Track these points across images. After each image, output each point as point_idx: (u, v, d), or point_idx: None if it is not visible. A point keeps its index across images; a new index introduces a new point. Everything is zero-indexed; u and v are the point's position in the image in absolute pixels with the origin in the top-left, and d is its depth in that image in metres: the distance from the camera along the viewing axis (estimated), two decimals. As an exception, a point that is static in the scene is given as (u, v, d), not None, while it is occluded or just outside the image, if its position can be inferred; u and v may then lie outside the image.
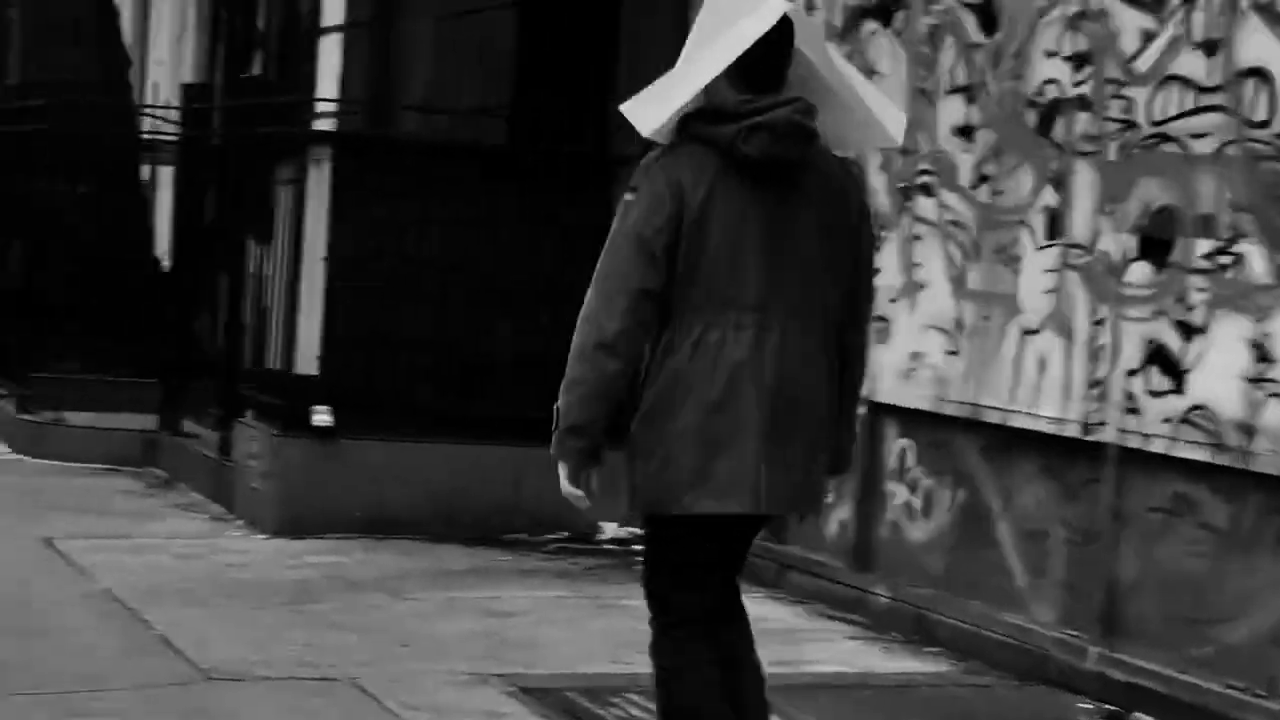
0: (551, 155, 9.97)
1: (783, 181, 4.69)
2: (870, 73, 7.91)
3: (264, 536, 9.50)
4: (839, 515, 8.33)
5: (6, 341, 12.50)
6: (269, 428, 9.69)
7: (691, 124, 4.68)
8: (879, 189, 8.10)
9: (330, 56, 14.14)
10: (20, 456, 11.67)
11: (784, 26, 4.65)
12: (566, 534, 9.77)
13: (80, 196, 12.85)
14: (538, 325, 9.76)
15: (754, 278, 4.65)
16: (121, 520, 9.73)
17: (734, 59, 4.58)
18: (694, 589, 4.76)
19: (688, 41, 4.70)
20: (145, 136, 13.06)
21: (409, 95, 12.00)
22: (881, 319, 7.95)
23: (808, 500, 4.81)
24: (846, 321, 4.84)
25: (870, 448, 8.08)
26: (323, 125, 13.74)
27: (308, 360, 9.63)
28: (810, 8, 8.50)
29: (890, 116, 4.90)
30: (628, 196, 4.68)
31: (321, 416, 9.55)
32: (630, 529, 9.74)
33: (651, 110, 4.70)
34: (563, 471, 4.64)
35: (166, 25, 18.10)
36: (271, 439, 9.59)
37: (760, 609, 6.68)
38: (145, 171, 13.79)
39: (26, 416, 11.70)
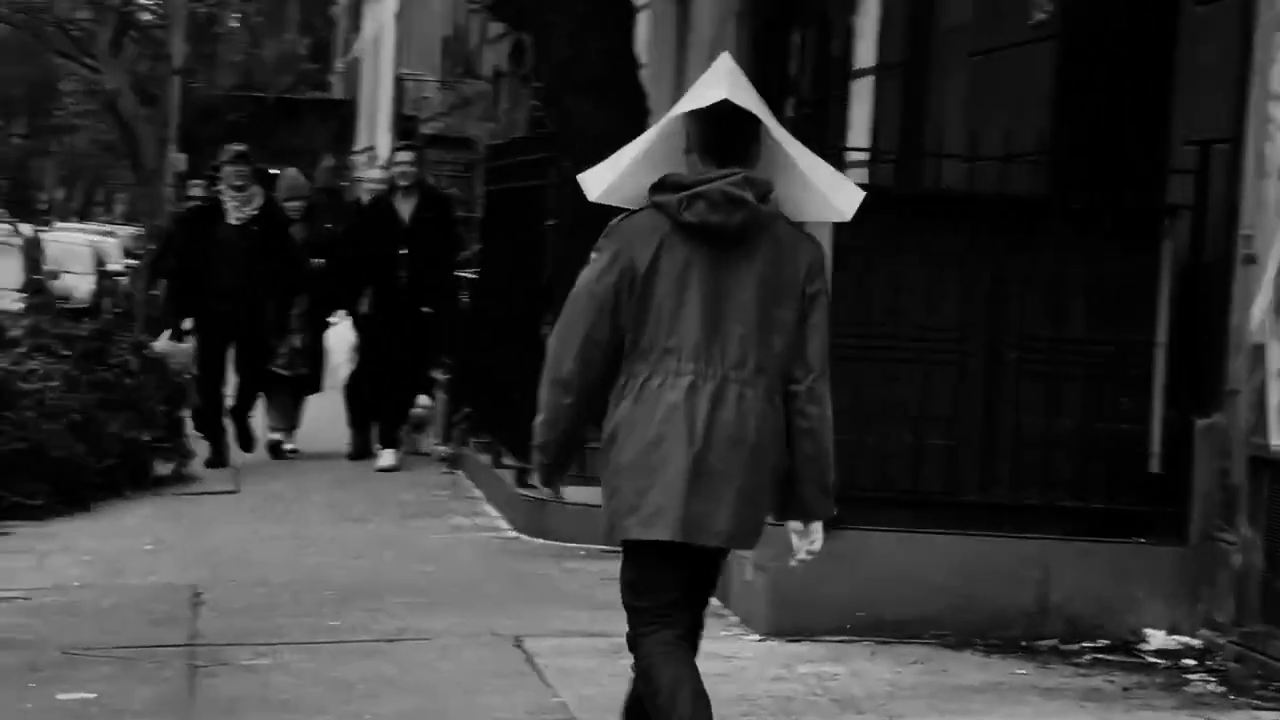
0: (1097, 205, 8.66)
1: (728, 244, 5.34)
2: None
3: (756, 637, 8.44)
4: None
5: (511, 407, 11.76)
6: (763, 514, 8.64)
7: (652, 192, 5.38)
8: None
9: (861, 101, 13.18)
10: (518, 535, 10.94)
11: (741, 111, 5.30)
12: (1105, 643, 8.41)
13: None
14: (1063, 397, 8.51)
15: (694, 330, 5.35)
16: (603, 614, 8.79)
17: (671, 132, 5.41)
18: (650, 595, 5.53)
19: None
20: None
21: (929, 140, 10.86)
22: None
23: (744, 536, 5.47)
24: (796, 375, 5.42)
25: None
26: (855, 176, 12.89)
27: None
28: None
29: (845, 193, 5.58)
30: (593, 254, 5.43)
31: (817, 504, 8.45)
32: (1178, 637, 8.34)
33: (600, 175, 5.51)
34: (537, 476, 5.79)
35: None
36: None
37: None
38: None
39: (525, 492, 10.94)
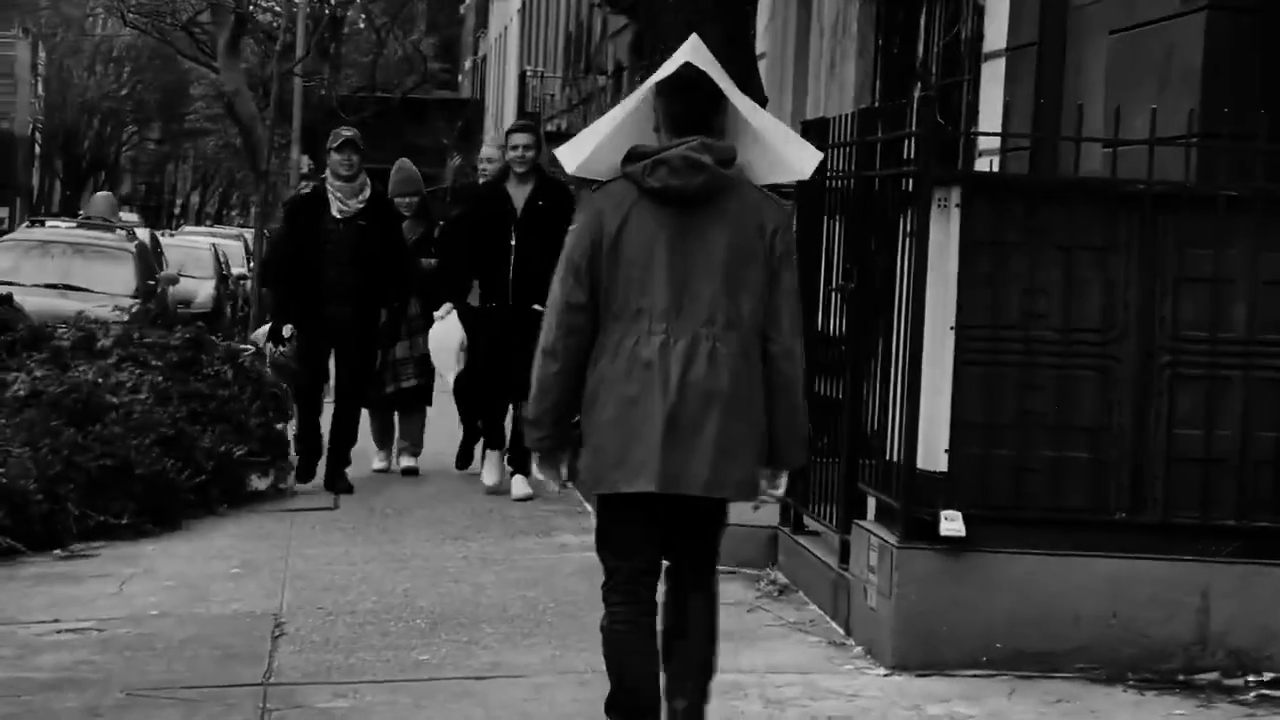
0: (1256, 191, 7.84)
1: (691, 207, 5.66)
2: None
3: (881, 672, 7.67)
4: None
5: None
6: (888, 534, 7.88)
7: (622, 164, 5.70)
8: None
9: (993, 84, 12.35)
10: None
11: (703, 83, 5.66)
12: (1271, 676, 7.58)
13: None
14: (1223, 404, 7.69)
15: (663, 291, 5.64)
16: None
17: (639, 106, 5.75)
18: (624, 557, 5.78)
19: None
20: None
21: (1066, 124, 10.04)
22: None
23: (721, 485, 5.68)
24: (770, 334, 5.72)
25: None
26: (983, 163, 12.07)
27: (933, 452, 7.77)
28: None
29: (805, 154, 5.93)
30: (571, 228, 5.83)
31: (950, 524, 7.68)
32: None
33: (574, 150, 5.80)
34: (535, 460, 5.93)
35: (820, 58, 16.68)
36: (890, 550, 7.78)
37: None
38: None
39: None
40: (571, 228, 5.86)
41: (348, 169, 12.17)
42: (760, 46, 19.14)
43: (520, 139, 12.14)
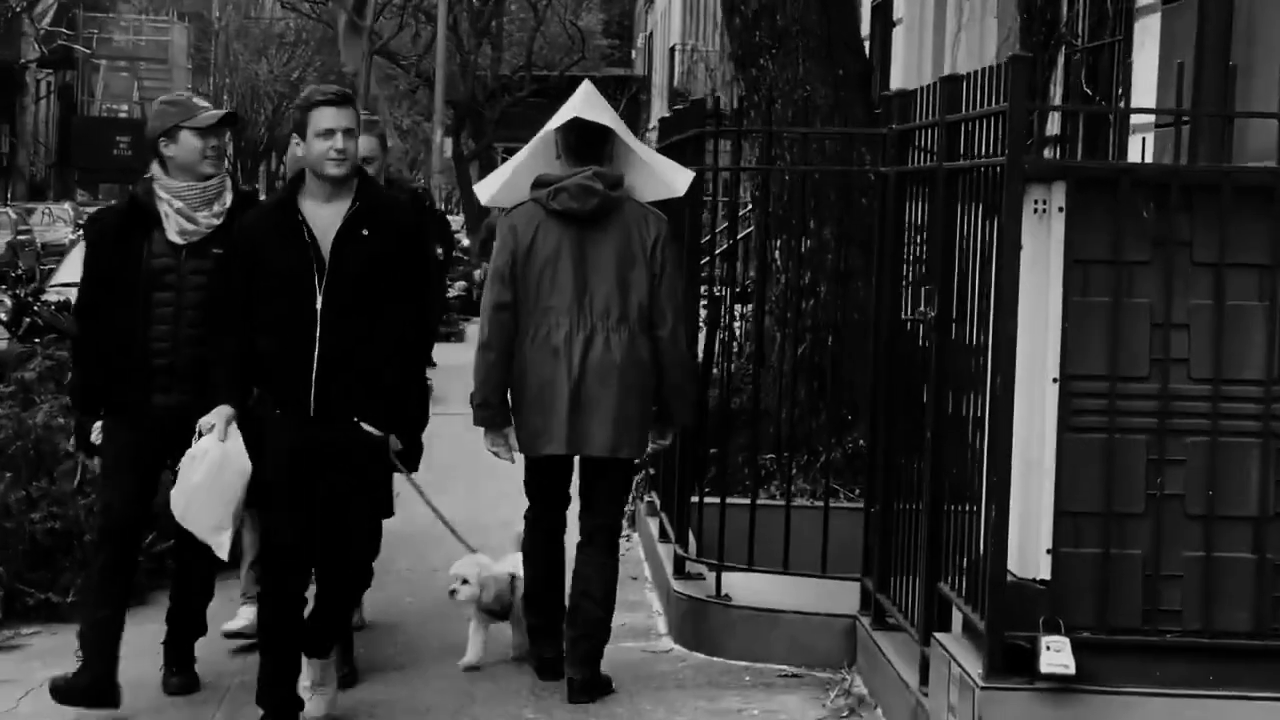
0: None
1: (587, 224, 7.07)
2: None
3: None
4: None
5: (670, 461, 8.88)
6: (971, 662, 5.72)
7: (530, 190, 7.16)
8: None
9: (1146, 46, 10.08)
10: (672, 645, 8.07)
11: (592, 125, 7.09)
12: None
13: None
14: None
15: (567, 291, 7.05)
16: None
17: (547, 142, 7.23)
18: (543, 507, 7.36)
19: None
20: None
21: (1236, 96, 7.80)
22: None
23: (617, 447, 7.06)
24: (655, 320, 7.08)
25: None
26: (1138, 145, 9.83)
27: (1031, 553, 5.61)
28: None
29: (679, 176, 7.37)
30: (496, 242, 7.30)
31: (1054, 655, 5.50)
32: None
33: (488, 185, 7.44)
34: (485, 437, 7.24)
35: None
36: (972, 688, 5.62)
37: None
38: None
39: (682, 588, 8.07)
40: (495, 243, 7.31)
41: (211, 166, 7.05)
42: (898, 12, 16.99)
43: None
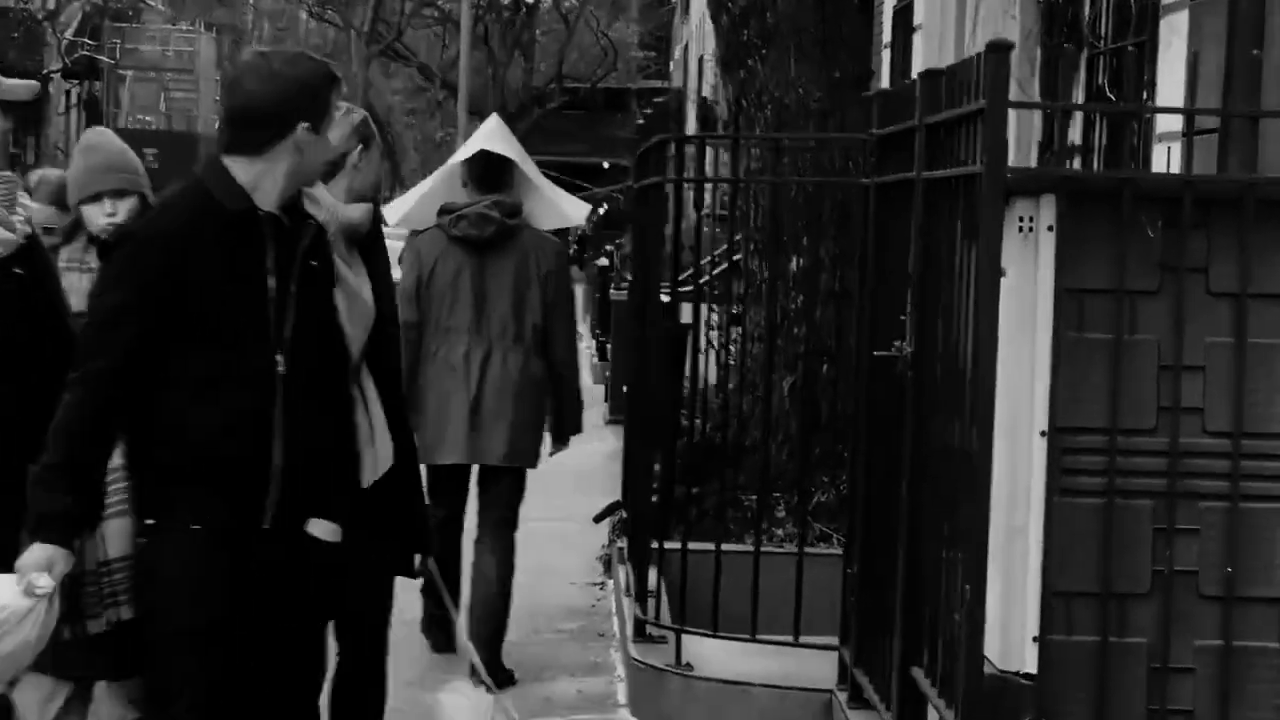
0: None
1: (486, 249, 7.61)
2: None
3: None
4: None
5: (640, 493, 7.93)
6: (945, 767, 4.79)
7: (437, 216, 7.72)
8: None
9: (1173, 46, 9.15)
10: (629, 719, 7.15)
11: (495, 157, 7.69)
12: None
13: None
14: None
15: (467, 312, 7.62)
16: None
17: (454, 172, 7.90)
18: (444, 502, 7.66)
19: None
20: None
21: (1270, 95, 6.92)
22: None
23: (511, 457, 7.62)
24: (549, 342, 7.68)
25: None
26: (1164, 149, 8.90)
27: (1014, 641, 4.68)
28: None
29: (576, 206, 8.21)
30: (404, 265, 7.67)
31: (1039, 765, 4.58)
32: None
33: (397, 208, 8.16)
34: None
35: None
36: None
37: None
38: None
39: (639, 656, 7.12)
40: (403, 265, 7.60)
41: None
42: (918, 18, 16.09)
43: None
